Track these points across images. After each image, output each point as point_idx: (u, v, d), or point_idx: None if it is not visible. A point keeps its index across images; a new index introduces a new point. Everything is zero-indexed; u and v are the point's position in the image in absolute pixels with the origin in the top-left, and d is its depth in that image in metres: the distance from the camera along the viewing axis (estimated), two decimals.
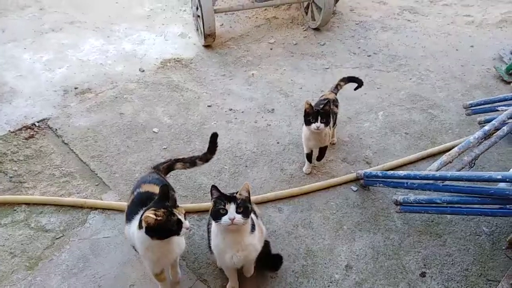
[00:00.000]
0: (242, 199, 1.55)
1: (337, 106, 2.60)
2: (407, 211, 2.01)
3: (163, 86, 3.24)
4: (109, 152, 2.59)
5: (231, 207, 1.52)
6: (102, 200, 2.26)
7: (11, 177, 2.37)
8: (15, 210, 2.19)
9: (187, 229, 1.50)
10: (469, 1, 4.57)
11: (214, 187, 1.59)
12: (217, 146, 2.06)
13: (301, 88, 3.24)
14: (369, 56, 3.65)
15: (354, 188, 2.34)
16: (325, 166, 2.51)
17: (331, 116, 2.22)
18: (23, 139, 2.64)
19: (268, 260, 1.90)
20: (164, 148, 2.65)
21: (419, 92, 3.16)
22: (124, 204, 2.15)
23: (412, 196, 1.98)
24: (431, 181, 1.88)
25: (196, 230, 2.12)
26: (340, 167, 2.51)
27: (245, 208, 1.54)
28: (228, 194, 1.58)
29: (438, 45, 3.79)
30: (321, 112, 2.14)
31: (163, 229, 1.47)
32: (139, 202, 1.64)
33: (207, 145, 2.62)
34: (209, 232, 1.78)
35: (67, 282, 1.86)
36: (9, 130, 2.68)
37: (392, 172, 2.12)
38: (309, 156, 2.43)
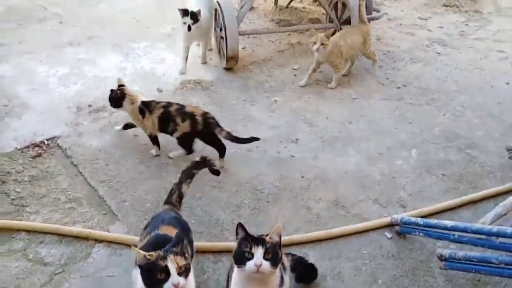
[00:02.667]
0: (272, 244, 1.34)
1: None
2: (453, 268, 1.76)
3: None
4: (120, 177, 2.40)
5: (259, 251, 1.30)
6: (109, 231, 2.05)
7: (13, 199, 2.18)
8: (14, 237, 1.99)
9: (174, 285, 1.24)
10: (501, 36, 4.41)
11: (240, 225, 1.38)
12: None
13: (327, 118, 3.05)
14: (399, 88, 3.46)
15: (389, 235, 2.10)
16: (355, 207, 2.28)
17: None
18: (30, 157, 2.46)
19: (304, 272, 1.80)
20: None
21: (454, 129, 2.94)
22: (133, 238, 1.95)
23: (460, 251, 1.74)
24: (484, 236, 1.64)
25: (211, 273, 1.89)
26: (372, 209, 2.27)
27: (274, 254, 1.32)
28: (256, 236, 1.36)
29: (471, 80, 3.59)
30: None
31: (146, 272, 1.28)
32: (154, 245, 1.43)
33: (225, 175, 2.44)
34: (228, 279, 1.56)
35: None
36: (16, 147, 2.52)
37: (436, 221, 1.88)
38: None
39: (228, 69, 3.58)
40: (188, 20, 3.11)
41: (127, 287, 1.79)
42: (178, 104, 2.53)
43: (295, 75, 3.60)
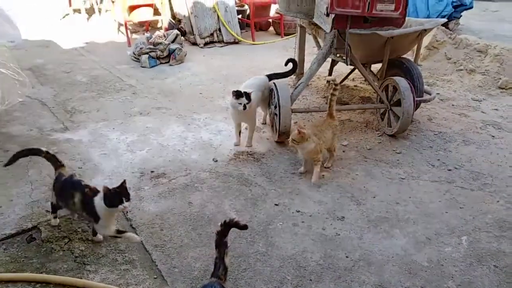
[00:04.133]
0: None
1: None
2: None
3: (234, 179, 3.26)
4: (172, 243, 2.56)
5: None
6: None
7: (76, 257, 2.40)
8: None
9: None
10: None
11: None
12: None
13: (374, 197, 3.08)
14: (450, 170, 3.44)
15: None
16: None
17: None
18: None
19: None
20: (228, 246, 2.55)
21: (508, 218, 2.84)
22: None
23: None
24: None
25: None
26: None
27: None
28: None
29: None
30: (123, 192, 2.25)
31: None
32: None
33: (270, 248, 2.52)
34: None
35: None
36: None
37: None
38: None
39: (279, 142, 3.79)
40: (244, 100, 3.39)
41: None
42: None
43: (343, 151, 3.72)
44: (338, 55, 4.11)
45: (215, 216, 2.82)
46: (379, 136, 3.99)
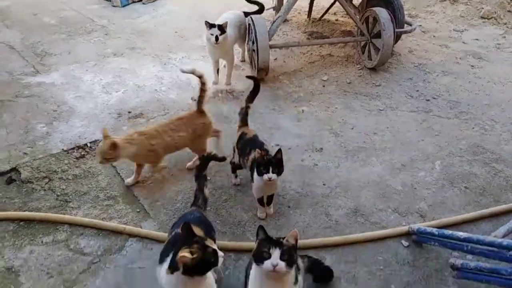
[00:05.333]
0: (288, 247, 1.46)
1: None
2: (465, 277, 1.80)
3: (212, 116, 3.23)
4: (153, 179, 2.59)
5: (276, 253, 1.43)
6: (141, 228, 2.24)
7: (58, 195, 2.42)
8: (58, 229, 2.22)
9: (222, 257, 1.49)
10: None
11: (261, 228, 1.52)
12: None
13: (352, 128, 3.12)
14: (428, 100, 3.48)
15: (405, 243, 2.15)
16: (374, 216, 2.34)
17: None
18: (74, 158, 2.71)
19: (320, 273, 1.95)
20: (208, 179, 2.60)
21: (482, 143, 2.93)
22: (163, 234, 2.13)
23: (472, 262, 1.77)
24: (496, 249, 1.67)
25: (232, 270, 2.02)
26: (390, 218, 2.33)
27: (290, 256, 1.44)
28: (275, 238, 1.50)
29: (504, 94, 3.55)
30: (273, 162, 2.05)
31: (202, 264, 1.43)
32: (174, 243, 1.58)
33: (249, 180, 2.57)
34: (247, 275, 1.68)
35: None
36: (63, 149, 2.77)
37: (450, 232, 1.92)
38: (261, 201, 2.30)
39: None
40: (215, 31, 3.27)
41: (155, 278, 1.96)
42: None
43: (323, 86, 3.70)
44: None
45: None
46: (359, 69, 3.96)
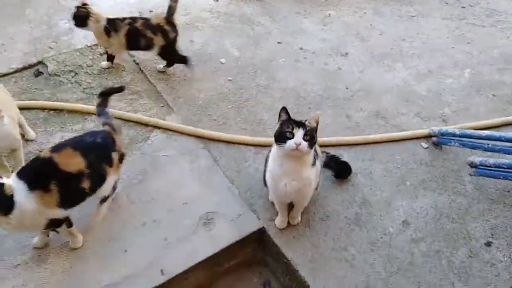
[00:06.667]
0: (310, 128, 1.49)
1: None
2: (482, 174, 1.83)
3: (235, 18, 3.14)
4: (175, 77, 2.60)
5: (299, 132, 1.46)
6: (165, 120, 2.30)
7: (84, 88, 2.48)
8: (86, 118, 2.30)
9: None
10: None
11: (284, 109, 1.55)
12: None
13: (380, 34, 3.00)
14: (463, 7, 3.26)
15: (425, 145, 2.17)
16: (395, 119, 2.34)
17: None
18: (98, 54, 2.72)
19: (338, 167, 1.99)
20: (229, 80, 2.61)
21: None
22: (186, 127, 2.20)
23: (491, 159, 1.79)
24: None
25: (251, 162, 2.10)
26: (412, 121, 2.32)
27: (311, 137, 1.48)
28: (297, 120, 1.52)
29: None
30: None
31: None
32: None
33: (272, 81, 2.56)
34: (267, 160, 1.75)
35: (126, 191, 1.95)
36: (87, 44, 2.77)
37: (472, 131, 1.92)
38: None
39: None
40: None
41: (179, 165, 2.07)
42: (142, 18, 2.52)
43: None
44: None
45: (217, 53, 2.80)
46: None
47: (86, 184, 1.57)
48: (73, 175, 1.53)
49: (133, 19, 2.49)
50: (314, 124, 1.52)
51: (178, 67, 2.64)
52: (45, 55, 2.65)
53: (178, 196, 1.93)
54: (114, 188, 1.76)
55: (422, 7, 3.28)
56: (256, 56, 2.80)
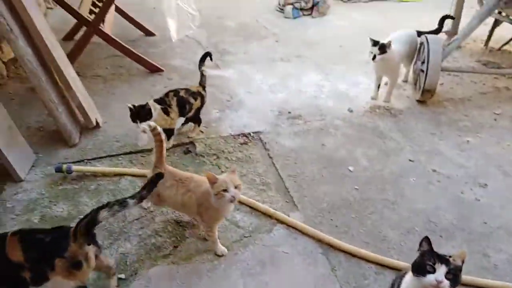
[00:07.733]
0: (455, 266, 1.40)
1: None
2: None
3: (368, 130, 3.25)
4: (304, 176, 2.73)
5: (441, 269, 1.38)
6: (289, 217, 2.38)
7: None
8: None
9: None
10: None
11: (427, 239, 1.49)
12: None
13: None
14: None
15: None
16: None
17: None
18: (238, 144, 3.02)
19: None
20: (356, 188, 2.63)
21: None
22: (308, 228, 2.23)
23: None
24: None
25: (371, 281, 2.00)
26: None
27: (455, 276, 1.38)
28: (441, 254, 1.45)
29: None
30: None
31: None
32: None
33: (400, 198, 2.50)
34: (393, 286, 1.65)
35: (244, 279, 2.00)
36: (231, 134, 3.12)
37: None
38: None
39: (421, 101, 3.60)
40: (375, 50, 3.27)
41: (297, 265, 2.08)
42: (181, 88, 2.92)
43: (495, 120, 3.38)
44: (505, 14, 3.63)
45: (346, 160, 2.89)
46: None
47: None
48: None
49: (175, 91, 2.88)
50: (460, 263, 1.42)
51: (309, 165, 2.77)
52: (196, 137, 3.05)
53: None
54: None
55: None
56: (386, 169, 2.81)
